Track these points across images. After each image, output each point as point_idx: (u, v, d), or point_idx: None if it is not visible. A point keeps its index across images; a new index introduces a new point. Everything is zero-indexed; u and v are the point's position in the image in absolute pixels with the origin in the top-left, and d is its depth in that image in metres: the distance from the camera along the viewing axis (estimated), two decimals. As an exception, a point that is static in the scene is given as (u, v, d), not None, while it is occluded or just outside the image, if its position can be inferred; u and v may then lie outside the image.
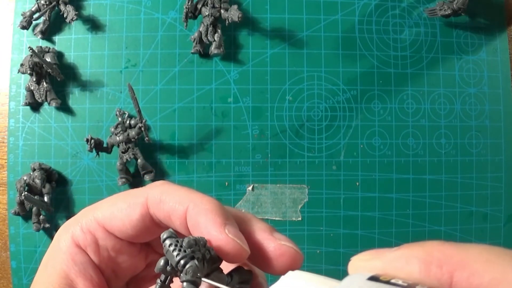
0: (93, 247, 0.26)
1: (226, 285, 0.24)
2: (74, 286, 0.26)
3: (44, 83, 0.56)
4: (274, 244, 0.24)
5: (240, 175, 0.58)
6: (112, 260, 0.27)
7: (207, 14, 0.56)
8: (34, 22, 0.57)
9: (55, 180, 0.56)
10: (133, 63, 0.58)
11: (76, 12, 0.56)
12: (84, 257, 0.26)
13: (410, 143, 0.59)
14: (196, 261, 0.22)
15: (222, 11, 0.57)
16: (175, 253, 0.22)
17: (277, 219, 0.58)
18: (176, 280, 0.23)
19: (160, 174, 0.57)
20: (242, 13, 0.55)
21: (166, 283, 0.23)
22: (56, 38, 0.59)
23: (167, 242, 0.22)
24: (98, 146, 0.55)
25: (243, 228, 0.25)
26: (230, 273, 0.25)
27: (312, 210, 0.58)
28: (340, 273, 0.57)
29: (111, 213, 0.26)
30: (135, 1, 0.59)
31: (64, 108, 0.58)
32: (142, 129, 0.54)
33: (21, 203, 0.55)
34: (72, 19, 0.56)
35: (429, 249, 0.17)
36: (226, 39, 0.59)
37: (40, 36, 0.58)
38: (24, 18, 0.56)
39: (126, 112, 0.57)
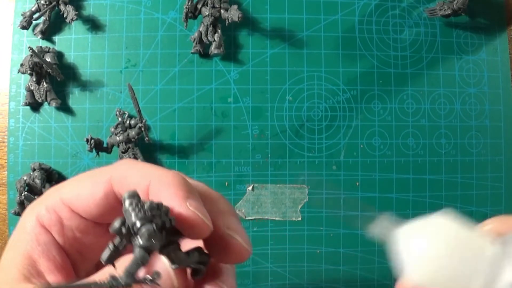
0: (58, 227, 0.26)
1: (182, 262, 0.22)
2: (37, 266, 0.25)
3: (44, 83, 0.56)
4: (234, 239, 0.24)
5: (240, 175, 0.58)
6: (77, 241, 0.26)
7: (207, 14, 0.56)
8: (34, 22, 0.57)
9: (55, 180, 0.56)
10: (133, 63, 0.58)
11: (76, 12, 0.56)
12: (48, 237, 0.25)
13: (410, 143, 0.59)
14: (154, 226, 0.20)
15: (222, 11, 0.57)
16: (133, 213, 0.20)
17: (277, 219, 0.58)
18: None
19: (160, 174, 0.57)
20: (242, 13, 0.55)
21: (119, 248, 0.21)
22: (56, 38, 0.59)
23: (128, 201, 0.21)
24: (98, 146, 0.55)
25: (208, 207, 0.24)
26: (188, 252, 0.23)
27: (312, 210, 0.58)
28: (340, 273, 0.57)
29: (76, 193, 0.25)
30: (135, 1, 0.59)
31: (64, 108, 0.58)
32: (142, 129, 0.54)
33: (21, 203, 0.55)
34: (72, 19, 0.56)
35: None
36: (226, 39, 0.59)
37: (40, 36, 0.58)
38: (24, 18, 0.56)
39: (126, 112, 0.57)
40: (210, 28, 0.57)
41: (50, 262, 0.25)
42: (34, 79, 0.55)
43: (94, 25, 0.58)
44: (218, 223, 0.24)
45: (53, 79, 0.57)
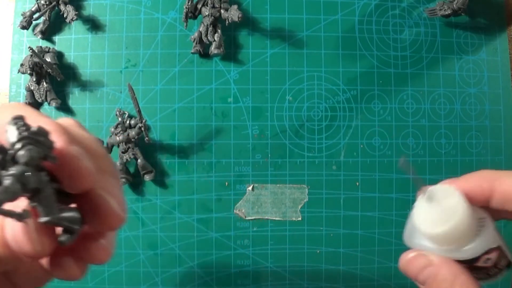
0: None
1: (53, 216, 0.19)
2: None
3: (44, 83, 0.56)
4: (106, 202, 0.20)
5: (240, 175, 0.58)
6: None
7: (207, 14, 0.56)
8: (34, 22, 0.57)
9: (55, 180, 0.56)
10: (133, 63, 0.58)
11: (76, 12, 0.56)
12: None
13: (410, 143, 0.59)
14: (37, 151, 0.17)
15: (222, 11, 0.57)
16: (16, 132, 0.17)
17: (277, 219, 0.58)
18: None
19: (160, 174, 0.57)
20: (242, 13, 0.55)
21: None
22: (56, 38, 0.59)
23: (13, 121, 0.17)
24: (98, 146, 0.55)
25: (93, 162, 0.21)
26: (62, 208, 0.20)
27: (312, 210, 0.58)
28: (340, 273, 0.57)
29: None
30: (135, 1, 0.59)
31: (64, 108, 0.58)
32: (142, 129, 0.54)
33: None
34: (72, 19, 0.56)
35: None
36: (226, 39, 0.59)
37: (40, 36, 0.58)
38: (24, 18, 0.56)
39: (126, 112, 0.57)
40: (210, 28, 0.57)
41: None
42: (34, 79, 0.55)
43: (94, 25, 0.58)
44: (94, 182, 0.21)
45: (53, 79, 0.57)
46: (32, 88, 0.56)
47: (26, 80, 0.57)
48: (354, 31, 0.60)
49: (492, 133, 0.60)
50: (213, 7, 0.57)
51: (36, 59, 0.54)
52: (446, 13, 0.59)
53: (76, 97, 0.58)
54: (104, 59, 0.58)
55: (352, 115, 0.59)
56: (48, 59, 0.56)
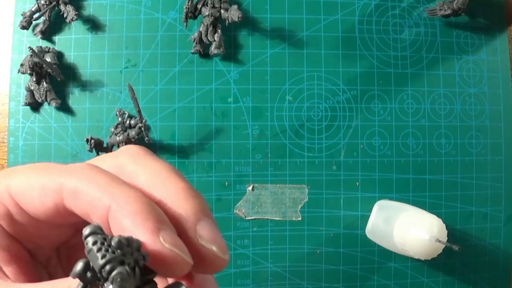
0: (7, 220, 0.22)
1: None
2: None
3: (44, 83, 0.56)
4: (208, 250, 0.20)
5: (240, 175, 0.58)
6: (29, 233, 0.23)
7: (207, 14, 0.56)
8: (34, 22, 0.57)
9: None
10: (133, 63, 0.58)
11: (76, 12, 0.56)
12: None
13: (410, 143, 0.59)
14: (127, 267, 0.17)
15: (222, 11, 0.57)
16: (99, 254, 0.17)
17: (277, 219, 0.58)
18: None
19: (160, 174, 0.57)
20: (242, 13, 0.55)
21: None
22: (56, 38, 0.59)
23: (90, 239, 0.17)
24: (98, 146, 0.55)
25: (182, 231, 0.20)
26: None
27: (312, 210, 0.58)
28: (340, 273, 0.57)
29: (23, 189, 0.22)
30: (135, 1, 0.59)
31: (64, 108, 0.58)
32: (142, 129, 0.54)
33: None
34: (72, 19, 0.56)
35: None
36: (226, 39, 0.59)
37: (40, 36, 0.58)
38: (24, 18, 0.56)
39: (126, 112, 0.57)
40: (210, 28, 0.57)
41: (5, 252, 0.22)
42: (34, 79, 0.55)
43: (94, 25, 0.58)
44: (189, 232, 0.20)
45: (53, 79, 0.57)
46: (32, 88, 0.56)
47: (26, 80, 0.57)
48: (354, 31, 0.60)
49: (492, 133, 0.60)
50: (213, 7, 0.57)
51: (36, 59, 0.54)
52: (446, 13, 0.59)
53: (76, 97, 0.58)
54: (104, 59, 0.58)
55: (352, 115, 0.59)
56: (48, 59, 0.56)
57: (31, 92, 0.56)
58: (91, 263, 0.17)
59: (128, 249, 0.17)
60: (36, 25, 0.58)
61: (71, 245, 0.26)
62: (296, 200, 0.58)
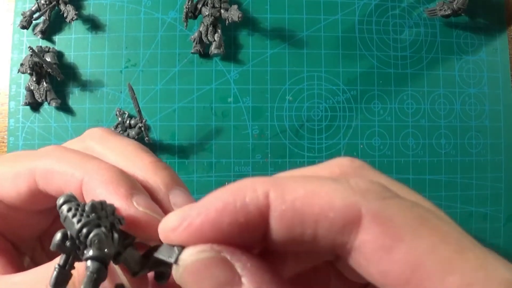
0: None
1: (142, 267, 0.19)
2: None
3: (44, 83, 0.56)
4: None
5: (240, 175, 0.58)
6: (10, 224, 0.23)
7: (207, 14, 0.56)
8: (34, 22, 0.57)
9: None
10: (133, 63, 0.58)
11: (76, 12, 0.56)
12: None
13: (410, 143, 0.59)
14: (103, 229, 0.17)
15: (222, 11, 0.57)
16: (75, 220, 0.17)
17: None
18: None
19: (160, 174, 0.57)
20: (242, 13, 0.55)
21: (66, 267, 0.17)
22: (56, 38, 0.59)
23: (65, 207, 0.17)
24: (98, 146, 0.55)
25: (156, 202, 0.20)
26: (147, 254, 0.19)
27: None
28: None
29: None
30: (135, 1, 0.59)
31: (64, 108, 0.58)
32: (142, 129, 0.54)
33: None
34: (72, 19, 0.56)
35: (237, 184, 0.17)
36: (226, 39, 0.58)
37: (40, 35, 0.58)
38: (24, 17, 0.56)
39: (126, 112, 0.57)
40: (210, 28, 0.57)
41: None
42: (34, 79, 0.55)
43: (94, 25, 0.58)
44: (163, 202, 0.21)
45: (53, 79, 0.57)
46: (32, 88, 0.56)
47: (26, 80, 0.57)
48: (354, 31, 0.60)
49: (492, 133, 0.60)
50: (213, 7, 0.57)
51: (36, 59, 0.54)
52: (446, 13, 0.59)
53: (76, 97, 0.58)
54: (104, 59, 0.58)
55: (352, 115, 0.59)
56: (48, 59, 0.56)
57: (31, 92, 0.56)
58: (68, 231, 0.17)
59: (103, 212, 0.17)
60: (36, 24, 0.58)
61: (52, 233, 0.26)
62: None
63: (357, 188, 0.16)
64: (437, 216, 0.16)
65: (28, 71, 0.55)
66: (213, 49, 0.57)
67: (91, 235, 0.17)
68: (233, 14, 0.55)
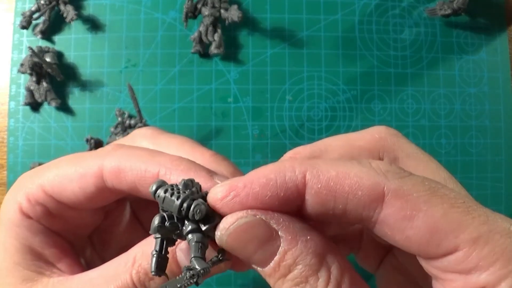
0: (48, 218, 0.23)
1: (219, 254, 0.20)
2: (44, 258, 0.23)
3: (44, 83, 0.56)
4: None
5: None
6: (68, 224, 0.24)
7: (207, 14, 0.56)
8: (34, 22, 0.57)
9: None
10: (133, 63, 0.58)
11: (76, 12, 0.56)
12: (39, 226, 0.23)
13: (410, 143, 0.59)
14: (201, 200, 0.19)
15: (222, 11, 0.57)
16: (174, 198, 0.19)
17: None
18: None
19: (160, 174, 0.57)
20: (242, 13, 0.55)
21: (163, 251, 0.19)
22: (56, 38, 0.59)
23: (161, 190, 0.19)
24: (98, 146, 0.55)
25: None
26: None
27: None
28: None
29: (59, 183, 0.23)
30: (135, 1, 0.59)
31: (64, 108, 0.58)
32: (142, 129, 0.54)
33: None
34: (72, 19, 0.56)
35: (279, 162, 0.20)
36: (226, 39, 0.58)
37: (40, 36, 0.58)
38: (24, 17, 0.56)
39: (126, 112, 0.57)
40: (210, 28, 0.57)
41: (56, 249, 0.23)
42: (34, 79, 0.55)
43: (94, 25, 0.58)
44: None
45: (53, 79, 0.57)
46: (32, 88, 0.56)
47: (26, 80, 0.57)
48: (354, 31, 0.60)
49: (492, 133, 0.60)
50: (213, 7, 0.57)
51: (36, 59, 0.54)
52: (446, 13, 0.58)
53: (76, 97, 0.58)
54: (104, 59, 0.58)
55: (352, 115, 0.59)
56: (48, 59, 0.56)
57: (31, 92, 0.56)
58: (164, 214, 0.19)
59: (194, 189, 0.19)
60: (36, 24, 0.58)
61: (102, 229, 0.27)
62: (296, 200, 0.58)
63: (379, 169, 0.19)
64: (444, 186, 0.19)
65: (28, 71, 0.55)
66: (213, 49, 0.57)
67: (193, 206, 0.18)
68: (233, 14, 0.55)
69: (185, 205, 0.19)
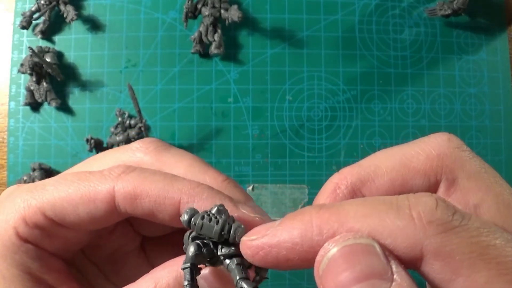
0: (47, 241, 0.22)
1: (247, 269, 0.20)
2: (46, 282, 0.22)
3: (44, 83, 0.56)
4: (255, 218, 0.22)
5: (240, 175, 0.58)
6: (67, 245, 0.23)
7: (207, 14, 0.56)
8: (34, 22, 0.57)
9: (55, 180, 0.56)
10: (133, 63, 0.58)
11: (76, 12, 0.56)
12: (38, 250, 0.22)
13: (410, 143, 0.59)
14: (238, 222, 0.19)
15: (222, 11, 0.57)
16: (212, 223, 0.19)
17: (277, 219, 0.58)
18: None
19: (160, 174, 0.57)
20: (242, 13, 0.55)
21: (194, 281, 0.19)
22: (56, 38, 0.59)
23: (197, 217, 0.19)
24: (98, 146, 0.55)
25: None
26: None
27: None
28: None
29: (62, 207, 0.21)
30: (135, 1, 0.59)
31: (64, 108, 0.58)
32: (142, 129, 0.54)
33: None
34: (72, 19, 0.56)
35: (307, 218, 0.18)
36: (226, 39, 0.58)
37: (40, 36, 0.58)
38: (24, 18, 0.56)
39: (126, 112, 0.57)
40: (210, 28, 0.57)
41: (56, 272, 0.22)
42: (34, 79, 0.55)
43: (94, 25, 0.58)
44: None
45: (53, 79, 0.57)
46: (32, 88, 0.56)
47: (26, 80, 0.57)
48: (354, 31, 0.60)
49: (492, 133, 0.60)
50: (213, 7, 0.57)
51: (36, 59, 0.54)
52: (446, 13, 0.59)
53: (76, 97, 0.58)
54: (104, 59, 0.58)
55: (352, 115, 0.59)
56: (48, 59, 0.56)
57: (31, 92, 0.56)
58: (205, 238, 0.19)
59: (226, 213, 0.20)
60: (36, 25, 0.58)
61: (92, 245, 0.26)
62: (296, 200, 0.58)
63: (419, 222, 0.16)
64: (500, 237, 0.17)
65: (28, 71, 0.55)
66: (213, 49, 0.57)
67: (233, 228, 0.19)
68: (233, 14, 0.55)
69: (226, 228, 0.19)
